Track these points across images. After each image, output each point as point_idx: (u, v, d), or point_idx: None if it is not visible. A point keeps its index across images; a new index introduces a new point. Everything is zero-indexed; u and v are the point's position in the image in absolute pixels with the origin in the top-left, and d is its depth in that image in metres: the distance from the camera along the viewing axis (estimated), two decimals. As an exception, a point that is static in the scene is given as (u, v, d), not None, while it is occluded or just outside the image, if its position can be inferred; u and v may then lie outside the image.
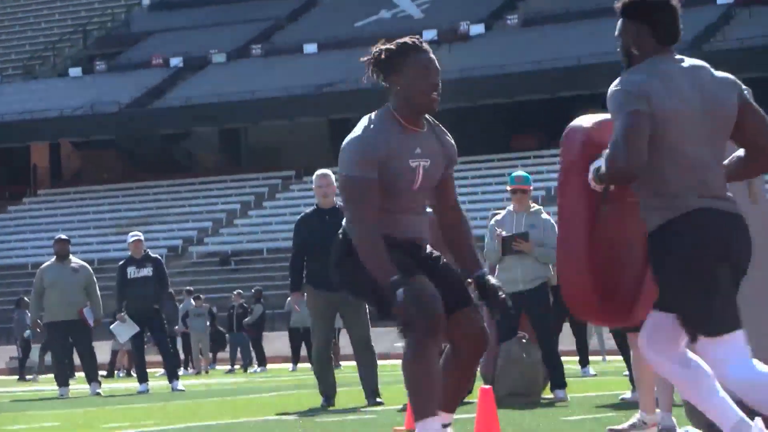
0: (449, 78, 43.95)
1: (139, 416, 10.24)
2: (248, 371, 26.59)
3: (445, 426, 5.02)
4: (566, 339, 15.35)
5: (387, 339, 26.64)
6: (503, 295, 5.04)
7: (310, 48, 48.40)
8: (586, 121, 4.83)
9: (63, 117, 47.51)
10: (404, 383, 4.90)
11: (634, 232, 4.68)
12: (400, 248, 5.01)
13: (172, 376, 15.65)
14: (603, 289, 4.67)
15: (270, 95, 45.15)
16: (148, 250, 15.85)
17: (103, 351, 20.35)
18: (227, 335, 28.66)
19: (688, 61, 4.64)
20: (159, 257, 15.98)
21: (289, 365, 25.94)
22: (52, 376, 17.39)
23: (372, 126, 5.01)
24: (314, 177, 10.77)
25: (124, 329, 15.22)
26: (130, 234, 15.95)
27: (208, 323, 28.21)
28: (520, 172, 10.73)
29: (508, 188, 10.56)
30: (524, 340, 10.19)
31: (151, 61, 50.18)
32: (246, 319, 27.18)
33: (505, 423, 6.84)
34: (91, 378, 15.46)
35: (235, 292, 28.56)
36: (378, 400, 10.36)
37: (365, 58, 5.11)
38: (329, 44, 47.79)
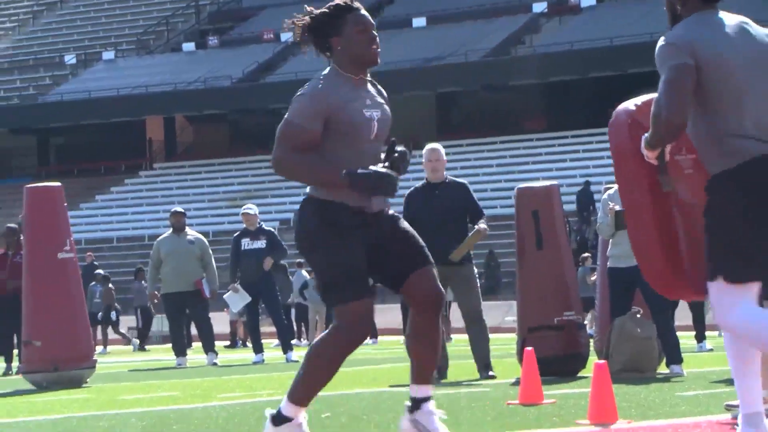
0: (559, 50, 43.69)
1: (255, 386, 10.40)
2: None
3: (426, 399, 5.19)
4: (682, 314, 15.20)
5: (498, 312, 26.63)
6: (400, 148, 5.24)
7: (419, 22, 48.34)
8: (630, 103, 4.87)
9: (177, 91, 48.15)
10: (305, 361, 5.17)
11: (699, 204, 4.69)
12: (357, 219, 5.10)
13: (286, 347, 15.85)
14: (678, 268, 4.70)
15: (378, 69, 45.02)
16: (262, 222, 16.05)
17: (219, 322, 20.64)
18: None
19: (733, 16, 4.70)
20: (272, 229, 16.17)
21: (402, 337, 26.06)
22: (169, 346, 17.71)
23: (322, 82, 5.20)
24: (424, 151, 10.79)
25: (237, 299, 15.45)
26: (243, 207, 16.17)
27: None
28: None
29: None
30: (638, 315, 10.12)
31: (263, 35, 50.58)
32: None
33: (620, 398, 6.81)
34: (208, 348, 15.71)
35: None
36: (490, 373, 10.38)
37: (293, 21, 5.28)
38: (438, 18, 47.68)
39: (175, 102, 48.36)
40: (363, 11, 5.24)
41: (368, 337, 28.35)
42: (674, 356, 10.19)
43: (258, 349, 15.71)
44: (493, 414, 6.81)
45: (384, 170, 5.05)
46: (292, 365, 14.66)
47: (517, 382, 8.79)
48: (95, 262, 31.01)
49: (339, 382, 10.57)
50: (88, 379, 11.83)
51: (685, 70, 4.53)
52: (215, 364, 15.50)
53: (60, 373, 11.44)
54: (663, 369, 10.43)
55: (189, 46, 52.40)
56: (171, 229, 15.69)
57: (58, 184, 12.38)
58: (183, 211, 16.08)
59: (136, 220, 44.24)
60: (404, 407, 5.32)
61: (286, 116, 5.22)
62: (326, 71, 5.27)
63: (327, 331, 5.20)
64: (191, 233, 15.73)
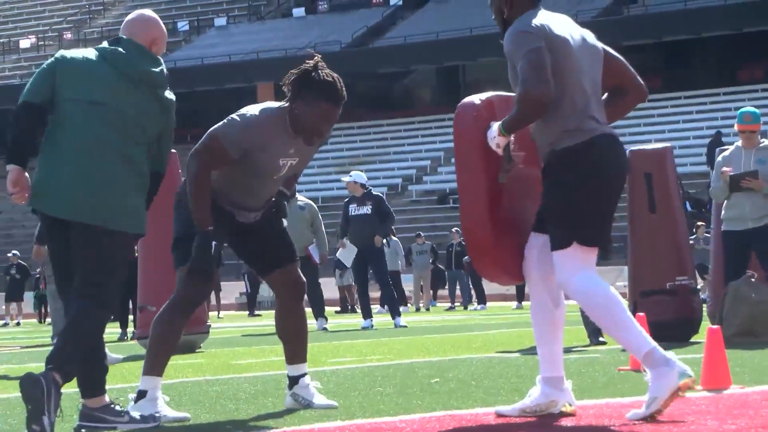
0: (673, 9, 42.95)
1: (364, 351, 10.46)
2: (468, 309, 26.79)
3: (303, 375, 5.85)
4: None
5: (609, 277, 26.38)
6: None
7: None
8: (476, 98, 5.18)
9: (288, 57, 48.43)
10: (151, 336, 5.62)
11: (528, 200, 5.14)
12: (226, 218, 5.67)
13: (394, 312, 15.90)
14: (504, 251, 5.10)
15: (488, 32, 44.98)
16: (371, 188, 16.11)
17: (328, 288, 20.81)
18: (446, 272, 28.93)
19: (554, 13, 5.11)
20: (380, 195, 16.22)
21: (513, 303, 26.01)
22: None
23: (265, 119, 5.58)
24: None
25: (347, 253, 15.62)
26: (350, 173, 16.28)
27: (430, 260, 28.52)
28: (748, 109, 10.43)
29: (737, 127, 10.28)
30: (753, 279, 9.94)
31: None
32: (465, 257, 27.35)
33: (733, 363, 6.71)
34: (318, 314, 15.84)
35: (453, 230, 28.75)
36: (601, 339, 10.29)
37: (287, 79, 5.74)
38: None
39: (285, 68, 47.77)
40: (338, 110, 5.60)
41: (477, 303, 28.47)
42: (790, 321, 10.01)
43: (367, 314, 15.80)
44: (603, 380, 6.77)
45: (209, 259, 5.51)
46: (400, 330, 14.73)
47: (628, 348, 8.71)
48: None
49: (449, 347, 10.62)
50: (201, 344, 12.02)
51: (543, 53, 4.87)
52: (325, 329, 15.62)
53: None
54: (779, 334, 10.25)
55: (299, 11, 52.66)
56: (285, 196, 15.81)
57: (173, 150, 12.52)
58: (295, 177, 16.20)
59: (248, 186, 44.69)
60: (285, 387, 5.92)
61: (213, 129, 5.60)
62: (276, 107, 5.65)
63: (169, 301, 5.72)
64: (301, 199, 15.85)
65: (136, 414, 5.39)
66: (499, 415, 5.13)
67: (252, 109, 5.65)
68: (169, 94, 5.38)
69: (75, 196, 5.11)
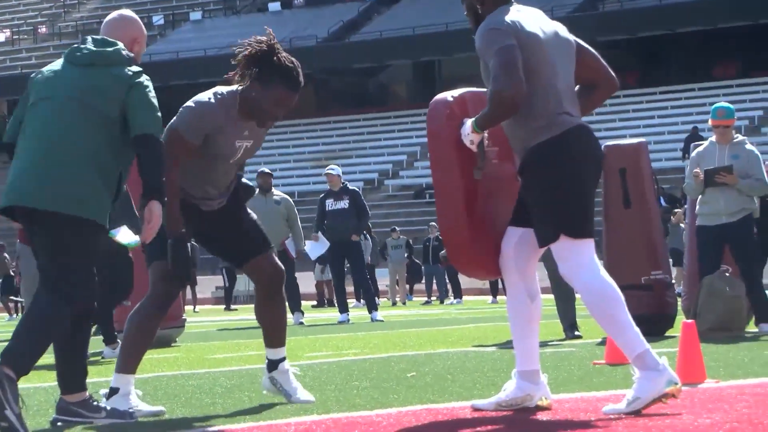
0: (647, 5, 43.07)
1: (341, 346, 10.47)
2: (444, 303, 26.82)
3: (282, 359, 5.91)
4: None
5: (584, 272, 26.44)
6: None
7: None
8: (448, 95, 5.18)
9: (263, 52, 48.36)
10: (125, 334, 5.62)
11: (503, 196, 5.17)
12: (193, 214, 5.70)
13: (371, 306, 15.90)
14: (481, 248, 5.11)
15: (464, 27, 45.02)
16: (347, 183, 16.11)
17: (305, 282, 20.80)
18: (423, 267, 28.94)
19: (530, 8, 5.14)
20: (356, 189, 16.22)
21: (488, 298, 26.06)
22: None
23: (218, 102, 5.56)
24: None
25: (316, 247, 15.62)
26: (326, 168, 16.24)
27: (405, 255, 28.54)
28: (722, 104, 10.48)
29: (711, 122, 10.33)
30: (727, 274, 9.99)
31: (347, -6, 50.59)
32: (442, 252, 27.36)
33: (708, 357, 6.75)
34: (294, 308, 15.83)
35: (430, 224, 28.77)
36: (576, 333, 10.34)
37: (240, 55, 5.66)
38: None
39: (261, 62, 48.51)
40: (297, 95, 5.63)
41: (453, 297, 28.55)
42: (764, 314, 10.07)
43: (343, 309, 15.81)
44: (579, 374, 6.79)
45: (186, 263, 5.56)
46: (377, 324, 14.74)
47: (603, 342, 8.75)
48: (184, 222, 31.29)
49: (425, 341, 10.63)
50: (177, 338, 12.00)
51: (515, 50, 4.88)
52: (302, 323, 15.62)
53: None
54: (752, 328, 10.31)
55: (275, 5, 52.58)
56: (258, 190, 15.79)
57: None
58: (270, 171, 16.18)
59: (223, 180, 44.60)
60: (264, 368, 5.99)
61: (171, 124, 5.57)
62: (228, 90, 5.61)
63: (144, 299, 5.70)
64: (277, 194, 15.83)
65: (113, 410, 5.38)
66: (475, 409, 5.15)
67: (203, 96, 5.63)
68: (129, 70, 5.27)
69: (21, 184, 5.09)
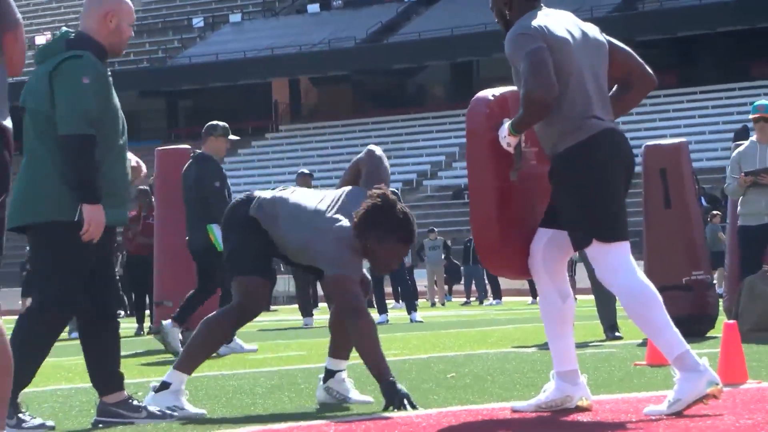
0: (686, 4, 42.84)
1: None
2: (484, 304, 26.77)
3: (341, 371, 5.92)
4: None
5: (624, 272, 26.29)
6: None
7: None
8: (489, 93, 5.19)
9: (302, 53, 48.49)
10: (195, 334, 5.67)
11: (538, 197, 5.15)
12: None
13: (410, 307, 15.90)
14: (511, 249, 5.12)
15: (503, 27, 44.96)
16: (385, 184, 16.10)
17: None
18: (462, 268, 28.89)
19: (558, 10, 5.14)
20: (395, 190, 16.17)
21: (528, 298, 25.99)
22: (296, 306, 17.91)
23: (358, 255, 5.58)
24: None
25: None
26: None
27: (443, 256, 28.51)
28: (763, 101, 10.42)
29: (751, 117, 10.26)
30: (769, 275, 9.92)
31: (386, -5, 50.62)
32: (481, 252, 27.29)
33: (750, 358, 6.70)
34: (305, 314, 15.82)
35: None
36: (617, 334, 10.30)
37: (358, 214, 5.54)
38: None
39: (300, 64, 48.70)
40: (411, 243, 5.60)
41: (492, 298, 28.46)
42: (806, 316, 9.99)
43: (382, 309, 15.81)
44: (619, 375, 6.77)
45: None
46: (416, 325, 14.74)
47: (644, 343, 8.71)
48: (223, 224, 31.40)
49: (465, 342, 10.61)
50: (217, 339, 12.03)
51: (544, 52, 4.89)
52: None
53: (191, 333, 11.63)
54: (795, 329, 10.22)
55: (314, 7, 52.66)
56: (298, 191, 15.81)
57: (188, 146, 12.57)
58: (310, 172, 16.22)
59: (264, 182, 44.73)
60: (318, 379, 5.97)
61: (339, 270, 5.55)
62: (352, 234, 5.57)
63: (224, 308, 5.74)
64: (317, 195, 15.83)
65: (154, 409, 5.42)
66: (515, 410, 5.14)
67: (336, 236, 5.56)
68: (58, 58, 5.19)
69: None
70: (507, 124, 5.02)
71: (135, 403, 5.38)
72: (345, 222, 5.57)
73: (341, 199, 5.71)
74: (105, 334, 5.36)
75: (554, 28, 4.98)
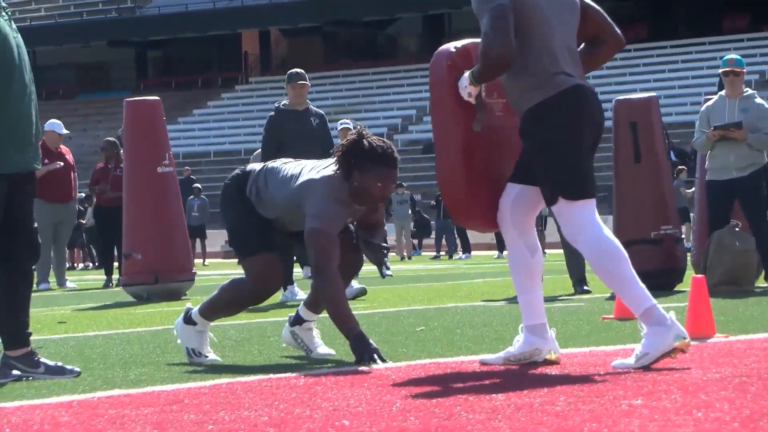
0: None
1: (350, 300, 10.47)
2: (453, 258, 26.85)
3: (309, 321, 5.95)
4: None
5: (593, 226, 26.41)
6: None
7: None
8: (451, 46, 5.18)
9: (272, 4, 48.20)
10: (222, 289, 5.71)
11: (506, 149, 5.15)
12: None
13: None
14: (478, 200, 5.10)
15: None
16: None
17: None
18: (432, 222, 28.93)
19: None
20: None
21: (495, 252, 26.08)
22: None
23: (344, 202, 5.53)
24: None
25: None
26: (339, 122, 16.18)
27: (410, 210, 28.54)
28: (733, 55, 10.44)
29: (720, 71, 10.28)
30: (736, 229, 9.98)
31: (357, -54, 50.29)
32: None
33: (717, 312, 6.75)
34: (304, 262, 15.80)
35: (440, 179, 28.71)
36: (585, 288, 10.35)
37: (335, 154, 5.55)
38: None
39: (270, 15, 48.42)
40: (395, 169, 5.57)
41: (462, 252, 28.55)
42: (773, 270, 10.07)
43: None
44: (587, 329, 6.80)
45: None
46: (386, 279, 14.74)
47: (612, 297, 8.75)
48: (192, 176, 31.38)
49: (434, 296, 10.65)
50: (187, 292, 12.04)
51: (506, 10, 4.86)
52: (310, 277, 15.62)
53: (159, 286, 11.63)
54: (761, 282, 10.31)
55: (284, -42, 52.29)
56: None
57: (157, 98, 12.48)
58: (279, 125, 16.13)
59: (233, 135, 44.61)
60: (287, 318, 5.99)
61: (315, 226, 5.50)
62: (338, 181, 5.60)
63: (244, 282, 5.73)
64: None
65: (52, 363, 5.31)
66: (484, 363, 5.16)
67: (328, 193, 5.49)
68: None
69: None
70: (467, 74, 5.01)
71: (36, 358, 5.30)
72: (329, 170, 5.55)
73: (327, 163, 5.68)
74: (20, 290, 5.29)
75: None
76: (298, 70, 10.85)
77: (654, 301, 4.89)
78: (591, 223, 4.95)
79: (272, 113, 10.74)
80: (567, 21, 5.04)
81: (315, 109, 10.89)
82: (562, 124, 4.92)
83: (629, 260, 4.95)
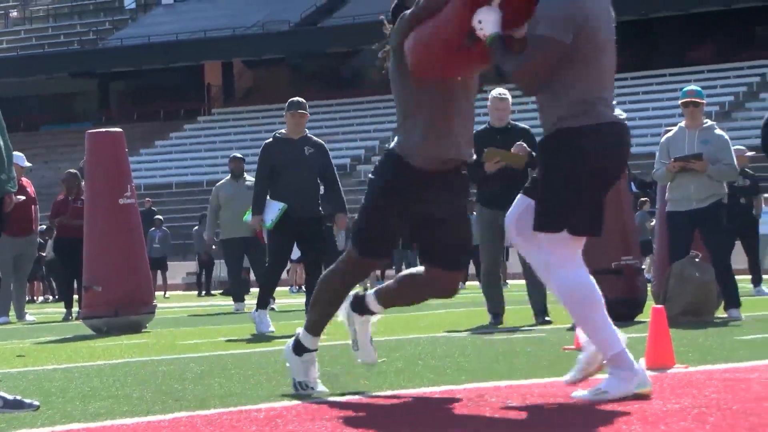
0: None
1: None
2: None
3: (374, 314, 5.73)
4: (738, 257, 15.06)
5: (555, 257, 26.49)
6: None
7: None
8: None
9: (235, 36, 48.23)
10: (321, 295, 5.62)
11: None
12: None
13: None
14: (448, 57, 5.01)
15: (438, 12, 44.96)
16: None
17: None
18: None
19: None
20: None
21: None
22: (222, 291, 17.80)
23: None
24: (490, 98, 10.76)
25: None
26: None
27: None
28: (693, 86, 10.53)
29: (680, 102, 10.36)
30: (697, 259, 10.04)
31: (320, -22, 50.44)
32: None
33: (677, 342, 6.77)
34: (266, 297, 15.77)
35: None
36: (546, 318, 10.37)
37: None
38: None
39: (233, 46, 48.44)
40: None
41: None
42: (733, 300, 10.12)
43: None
44: (549, 359, 6.81)
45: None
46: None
47: (573, 328, 8.76)
48: (153, 208, 31.24)
49: (396, 327, 10.62)
50: (147, 324, 11.97)
51: (559, 48, 4.68)
52: (273, 309, 15.58)
53: (120, 318, 11.56)
54: (721, 313, 10.36)
55: (247, -10, 52.35)
56: (230, 175, 15.75)
57: (119, 129, 12.44)
58: (242, 156, 16.15)
59: (195, 166, 44.50)
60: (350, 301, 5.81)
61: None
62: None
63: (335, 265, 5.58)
64: (250, 179, 15.77)
65: (10, 397, 5.24)
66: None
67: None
68: None
69: None
70: (497, 15, 4.81)
71: None
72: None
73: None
74: None
75: (598, 6, 4.83)
76: (300, 99, 11.03)
77: (623, 345, 4.84)
78: (573, 260, 4.84)
79: (269, 140, 10.89)
80: (613, 44, 4.91)
81: (315, 138, 11.00)
82: (591, 156, 4.75)
83: (604, 303, 4.86)
